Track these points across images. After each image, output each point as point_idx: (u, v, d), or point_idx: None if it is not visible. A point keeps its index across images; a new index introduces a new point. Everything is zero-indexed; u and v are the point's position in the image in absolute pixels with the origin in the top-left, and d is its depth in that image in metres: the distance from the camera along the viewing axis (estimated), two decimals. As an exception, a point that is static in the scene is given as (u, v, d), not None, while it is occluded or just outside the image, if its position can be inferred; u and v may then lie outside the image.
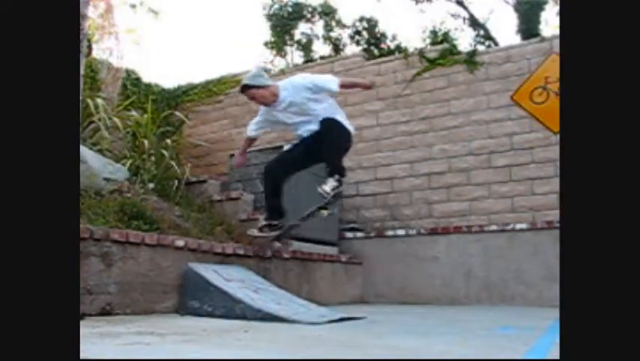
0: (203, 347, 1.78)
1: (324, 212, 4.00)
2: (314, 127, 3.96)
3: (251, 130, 4.30)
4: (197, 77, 7.57)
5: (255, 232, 4.12)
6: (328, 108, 3.99)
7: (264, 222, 4.15)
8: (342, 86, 4.06)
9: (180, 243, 3.45)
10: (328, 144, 3.88)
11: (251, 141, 4.39)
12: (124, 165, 4.61)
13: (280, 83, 4.09)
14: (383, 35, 9.27)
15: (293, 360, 1.59)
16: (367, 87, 4.49)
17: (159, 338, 1.99)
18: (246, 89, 4.02)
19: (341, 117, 4.01)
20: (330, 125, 3.88)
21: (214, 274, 3.41)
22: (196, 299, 3.26)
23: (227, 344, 1.88)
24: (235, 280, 3.45)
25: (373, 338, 2.21)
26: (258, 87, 3.97)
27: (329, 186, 3.79)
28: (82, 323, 2.47)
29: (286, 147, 4.35)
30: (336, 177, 3.84)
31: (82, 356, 1.47)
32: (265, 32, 9.89)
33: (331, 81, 4.00)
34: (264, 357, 1.64)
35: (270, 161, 4.26)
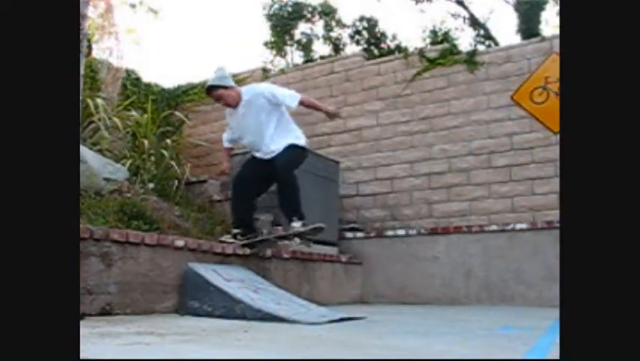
0: (203, 347, 1.78)
1: (298, 241, 4.04)
2: (266, 151, 4.00)
3: (225, 141, 4.39)
4: (198, 77, 7.54)
5: (227, 239, 4.07)
6: (280, 128, 4.01)
7: (235, 231, 4.12)
8: (303, 103, 4.10)
9: (180, 243, 3.45)
10: (287, 195, 3.96)
11: (229, 150, 4.47)
12: (124, 165, 4.62)
13: (243, 87, 4.16)
14: (383, 35, 9.26)
15: (293, 360, 1.59)
16: (331, 115, 4.27)
17: (159, 338, 1.99)
18: (212, 90, 4.05)
19: (293, 136, 4.06)
20: (286, 171, 3.92)
21: (214, 274, 3.41)
22: (196, 299, 3.26)
23: (228, 344, 1.88)
24: (235, 280, 3.45)
25: (373, 338, 2.21)
26: (226, 87, 4.02)
27: (297, 224, 3.91)
28: (82, 323, 2.46)
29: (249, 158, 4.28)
30: (295, 219, 3.93)
31: (82, 356, 1.47)
32: (265, 32, 9.90)
33: (291, 97, 4.05)
34: (264, 357, 1.64)
35: (240, 171, 4.25)
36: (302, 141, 4.13)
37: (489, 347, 1.96)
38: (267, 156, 4.01)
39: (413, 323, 3.06)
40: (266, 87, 4.16)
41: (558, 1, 9.16)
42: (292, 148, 4.00)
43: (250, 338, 2.05)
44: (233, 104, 4.05)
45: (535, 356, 1.79)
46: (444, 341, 2.14)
